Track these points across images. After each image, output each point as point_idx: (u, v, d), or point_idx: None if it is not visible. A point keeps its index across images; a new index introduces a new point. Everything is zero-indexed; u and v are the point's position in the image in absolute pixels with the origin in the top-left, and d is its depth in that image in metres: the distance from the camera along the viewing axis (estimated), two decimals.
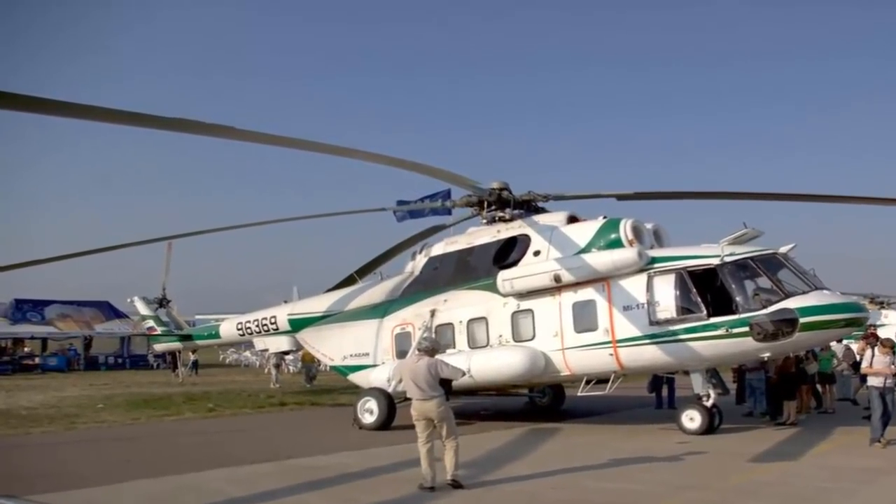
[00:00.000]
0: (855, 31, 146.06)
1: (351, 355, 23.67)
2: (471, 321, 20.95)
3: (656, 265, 18.57)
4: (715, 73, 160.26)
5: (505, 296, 20.30)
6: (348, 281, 26.04)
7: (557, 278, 19.14)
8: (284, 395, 32.08)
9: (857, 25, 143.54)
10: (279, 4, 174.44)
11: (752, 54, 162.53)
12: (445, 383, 13.00)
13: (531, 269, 19.77)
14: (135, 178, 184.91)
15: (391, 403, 20.46)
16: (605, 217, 20.08)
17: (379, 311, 23.33)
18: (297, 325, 26.11)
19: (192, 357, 47.37)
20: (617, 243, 19.11)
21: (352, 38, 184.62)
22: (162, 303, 39.93)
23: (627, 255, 18.57)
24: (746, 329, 17.27)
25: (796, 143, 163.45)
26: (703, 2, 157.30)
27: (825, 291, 17.53)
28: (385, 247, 25.24)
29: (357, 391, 22.77)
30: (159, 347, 40.71)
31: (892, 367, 16.02)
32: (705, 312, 17.76)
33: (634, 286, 18.54)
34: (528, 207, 21.76)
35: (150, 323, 37.88)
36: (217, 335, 31.42)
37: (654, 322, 18.18)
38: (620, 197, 20.25)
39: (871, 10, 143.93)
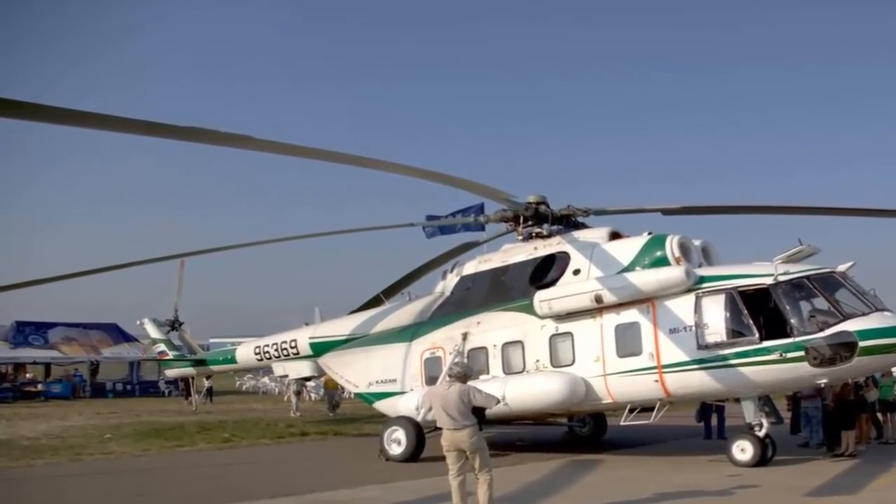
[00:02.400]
0: None
1: (377, 381, 23.75)
2: (506, 345, 21.00)
3: (705, 285, 18.55)
4: (768, 81, 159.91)
5: (542, 318, 20.34)
6: (374, 302, 26.20)
7: (599, 299, 19.16)
8: (306, 425, 31.92)
9: None
10: (301, 8, 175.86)
11: (810, 60, 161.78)
12: (478, 412, 13.15)
13: (571, 290, 19.80)
14: (145, 192, 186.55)
15: (420, 433, 20.46)
16: (649, 233, 20.07)
17: (407, 334, 23.41)
18: (320, 349, 26.20)
19: (206, 383, 47.44)
20: (663, 261, 19.13)
21: (378, 43, 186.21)
22: (174, 325, 39.89)
23: (674, 273, 18.60)
24: (802, 353, 17.13)
25: (855, 155, 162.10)
26: (758, 4, 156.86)
27: (886, 313, 17.35)
28: (414, 265, 25.50)
29: (383, 420, 22.86)
30: (171, 373, 40.74)
31: None
32: (757, 336, 17.65)
33: (681, 307, 18.53)
34: (568, 223, 21.89)
35: (162, 347, 37.87)
36: (233, 360, 31.57)
37: (702, 346, 18.12)
38: (666, 212, 20.34)
39: None
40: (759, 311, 18.04)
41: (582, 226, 22.08)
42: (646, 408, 19.63)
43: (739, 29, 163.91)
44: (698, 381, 18.37)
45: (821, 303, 17.79)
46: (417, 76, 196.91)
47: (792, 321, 17.52)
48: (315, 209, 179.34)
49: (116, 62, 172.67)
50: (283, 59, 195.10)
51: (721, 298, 18.23)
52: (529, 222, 21.85)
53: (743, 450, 18.12)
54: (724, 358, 17.93)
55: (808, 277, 17.90)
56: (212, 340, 46.54)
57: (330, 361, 25.90)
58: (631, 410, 19.66)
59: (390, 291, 26.20)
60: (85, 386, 61.00)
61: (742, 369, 17.78)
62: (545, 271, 20.91)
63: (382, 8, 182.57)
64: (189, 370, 36.78)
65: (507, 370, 20.82)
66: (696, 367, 18.25)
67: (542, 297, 20.13)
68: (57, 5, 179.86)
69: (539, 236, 21.89)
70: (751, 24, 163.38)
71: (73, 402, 52.07)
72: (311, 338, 26.66)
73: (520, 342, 20.80)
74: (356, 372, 24.65)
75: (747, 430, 18.35)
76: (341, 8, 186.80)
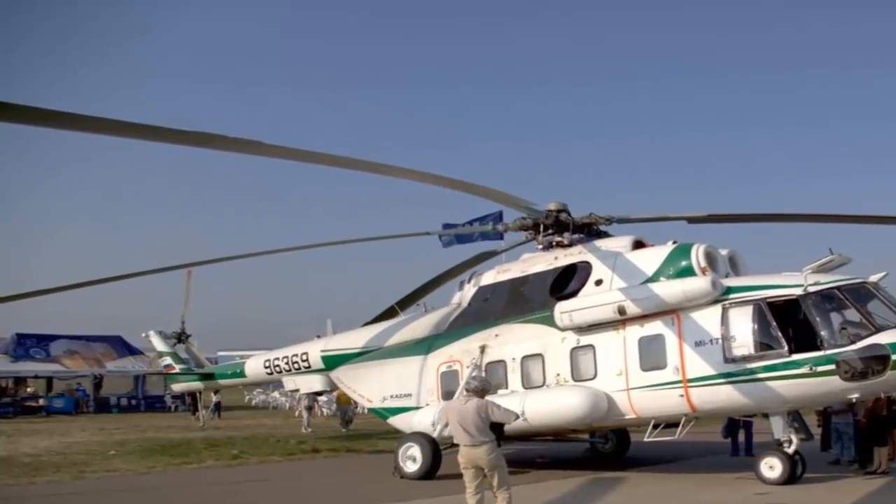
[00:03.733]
0: None
1: (391, 396, 23.74)
2: (525, 358, 20.98)
3: (732, 296, 18.52)
4: (801, 83, 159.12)
5: (563, 330, 20.32)
6: (389, 313, 26.22)
7: (622, 310, 19.14)
8: (317, 441, 32.08)
9: None
10: (313, 10, 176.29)
11: (848, 61, 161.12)
12: (497, 427, 13.09)
13: (592, 300, 19.79)
14: (150, 199, 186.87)
15: (436, 450, 20.47)
16: (674, 242, 20.12)
17: (423, 346, 23.37)
18: (332, 362, 26.17)
19: (214, 398, 47.61)
20: (688, 271, 19.13)
21: (393, 45, 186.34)
22: (181, 338, 39.39)
23: (700, 284, 18.58)
24: (832, 367, 17.03)
25: (891, 160, 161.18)
26: (790, 4, 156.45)
27: None
28: (430, 275, 25.51)
29: (398, 436, 22.78)
30: (178, 387, 40.94)
31: None
32: (787, 348, 17.60)
33: (708, 319, 18.49)
34: (589, 231, 21.85)
35: (168, 360, 37.75)
36: (242, 374, 31.59)
37: (729, 359, 18.06)
38: (692, 220, 20.33)
39: None
40: (789, 323, 17.97)
41: (604, 234, 22.05)
42: (670, 423, 19.54)
43: (774, 28, 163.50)
44: (725, 395, 18.32)
45: (852, 314, 17.70)
46: (434, 80, 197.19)
47: (822, 333, 17.44)
48: (327, 217, 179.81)
49: (119, 64, 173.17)
50: (293, 63, 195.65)
51: (749, 310, 18.20)
52: (550, 231, 21.84)
53: (771, 467, 17.98)
54: (752, 372, 17.88)
55: (839, 288, 17.85)
56: (220, 353, 46.50)
57: (342, 375, 25.88)
58: (655, 426, 19.58)
59: (405, 303, 26.23)
60: (88, 401, 61.33)
61: (770, 383, 17.72)
62: (566, 282, 20.91)
63: (399, 9, 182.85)
64: (196, 384, 36.84)
65: (527, 384, 20.80)
66: (722, 381, 18.18)
67: (562, 309, 20.11)
68: (58, 6, 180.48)
69: (560, 245, 21.87)
70: (786, 23, 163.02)
71: (76, 418, 52.35)
72: (322, 351, 26.64)
73: (540, 355, 20.76)
74: (370, 386, 24.63)
75: (776, 447, 18.26)
76: (355, 9, 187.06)
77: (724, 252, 20.21)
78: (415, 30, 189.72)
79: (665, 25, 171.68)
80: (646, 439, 19.83)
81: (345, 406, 39.32)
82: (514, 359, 21.16)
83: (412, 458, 20.71)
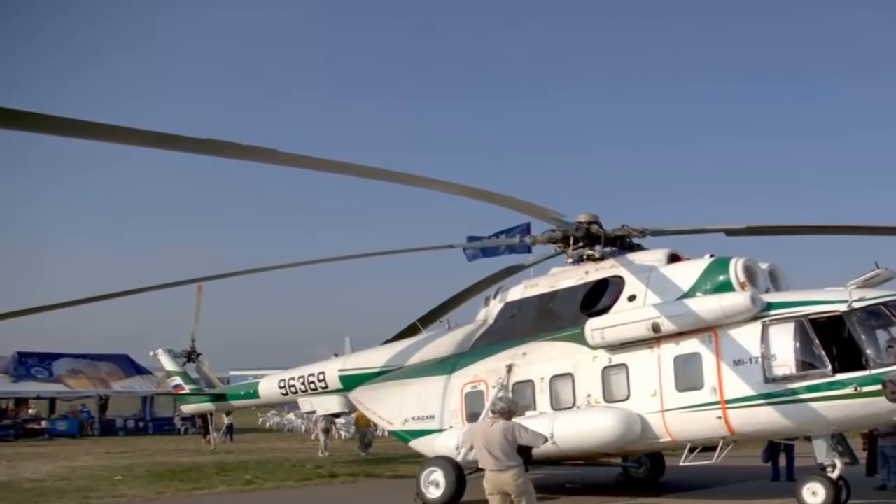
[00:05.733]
0: None
1: (413, 418, 23.73)
2: (554, 378, 20.93)
3: (773, 312, 18.41)
4: (844, 90, 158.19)
5: (594, 348, 20.25)
6: (410, 331, 26.23)
7: (656, 327, 19.06)
8: (335, 465, 31.93)
9: None
10: (325, 10, 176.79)
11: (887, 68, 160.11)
12: (525, 451, 13.25)
13: (625, 317, 19.72)
14: (158, 211, 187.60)
15: (461, 475, 20.34)
16: (712, 255, 20.03)
17: (446, 366, 23.37)
18: (350, 382, 26.17)
19: (226, 420, 47.53)
20: (726, 286, 19.03)
21: (416, 53, 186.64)
22: (191, 357, 39.25)
23: (739, 300, 18.50)
24: (879, 387, 16.50)
25: None
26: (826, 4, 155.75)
27: None
28: (453, 290, 25.40)
29: (420, 460, 22.78)
30: (188, 409, 40.85)
31: None
32: (830, 368, 17.41)
33: (747, 337, 18.40)
34: (622, 244, 21.83)
35: (177, 380, 37.80)
36: (256, 395, 31.58)
37: (769, 379, 17.93)
38: (730, 232, 20.23)
39: None
40: (832, 341, 17.80)
41: (637, 247, 22.01)
42: (708, 447, 19.33)
43: (811, 32, 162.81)
44: (765, 417, 18.19)
45: None
46: (459, 86, 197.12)
47: (868, 352, 17.20)
48: (346, 230, 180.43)
49: (129, 69, 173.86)
50: (318, 70, 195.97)
51: (790, 327, 18.06)
52: (580, 244, 21.81)
53: (814, 493, 17.62)
54: (794, 392, 17.72)
55: (885, 304, 17.67)
56: (232, 373, 46.68)
57: (361, 396, 25.91)
58: (692, 450, 19.38)
59: (428, 320, 26.20)
60: (93, 423, 61.12)
61: (813, 404, 17.55)
62: (598, 297, 20.80)
63: (422, 16, 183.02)
64: (207, 405, 36.78)
65: (556, 405, 20.75)
66: (762, 402, 18.05)
67: (594, 326, 20.04)
68: (64, 6, 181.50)
69: (591, 259, 21.83)
70: (824, 26, 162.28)
71: (81, 441, 52.35)
72: (340, 370, 26.64)
73: (570, 375, 20.71)
74: (390, 407, 24.63)
75: (819, 472, 17.99)
76: (376, 18, 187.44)
77: (764, 266, 20.09)
78: (437, 35, 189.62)
79: (703, 29, 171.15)
80: (681, 464, 19.66)
81: (364, 428, 39.31)
82: (542, 379, 21.10)
83: (435, 484, 20.60)
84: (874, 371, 16.94)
